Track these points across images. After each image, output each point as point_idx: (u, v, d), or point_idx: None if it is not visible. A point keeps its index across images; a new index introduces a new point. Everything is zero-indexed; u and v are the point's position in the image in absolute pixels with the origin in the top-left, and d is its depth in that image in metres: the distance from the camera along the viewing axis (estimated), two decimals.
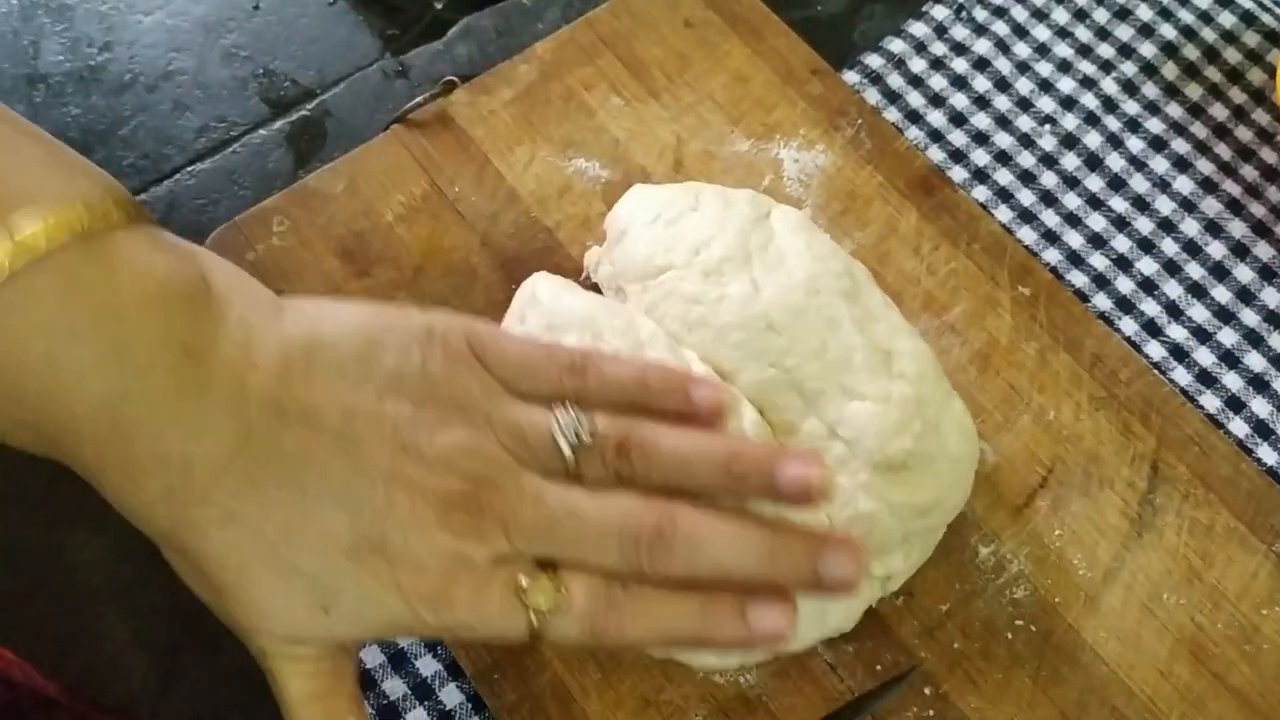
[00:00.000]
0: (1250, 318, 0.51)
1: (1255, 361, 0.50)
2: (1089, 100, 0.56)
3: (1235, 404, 0.49)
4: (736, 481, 0.38)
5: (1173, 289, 0.52)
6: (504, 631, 0.36)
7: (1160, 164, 0.55)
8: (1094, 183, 0.54)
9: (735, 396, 0.43)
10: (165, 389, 0.34)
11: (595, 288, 0.49)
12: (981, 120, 0.56)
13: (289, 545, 0.35)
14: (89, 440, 0.33)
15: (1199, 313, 0.51)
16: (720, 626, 0.37)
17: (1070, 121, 0.56)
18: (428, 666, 0.45)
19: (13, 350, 0.32)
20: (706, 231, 0.46)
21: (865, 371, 0.43)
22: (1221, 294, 0.52)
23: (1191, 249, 0.53)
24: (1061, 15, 0.58)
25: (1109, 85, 0.57)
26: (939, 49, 0.58)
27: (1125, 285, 0.52)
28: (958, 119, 0.56)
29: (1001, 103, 0.56)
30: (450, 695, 0.44)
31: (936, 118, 0.56)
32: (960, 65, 0.57)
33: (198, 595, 0.37)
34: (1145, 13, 0.58)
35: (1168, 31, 0.58)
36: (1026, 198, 0.54)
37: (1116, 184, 0.54)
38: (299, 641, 0.36)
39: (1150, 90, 0.57)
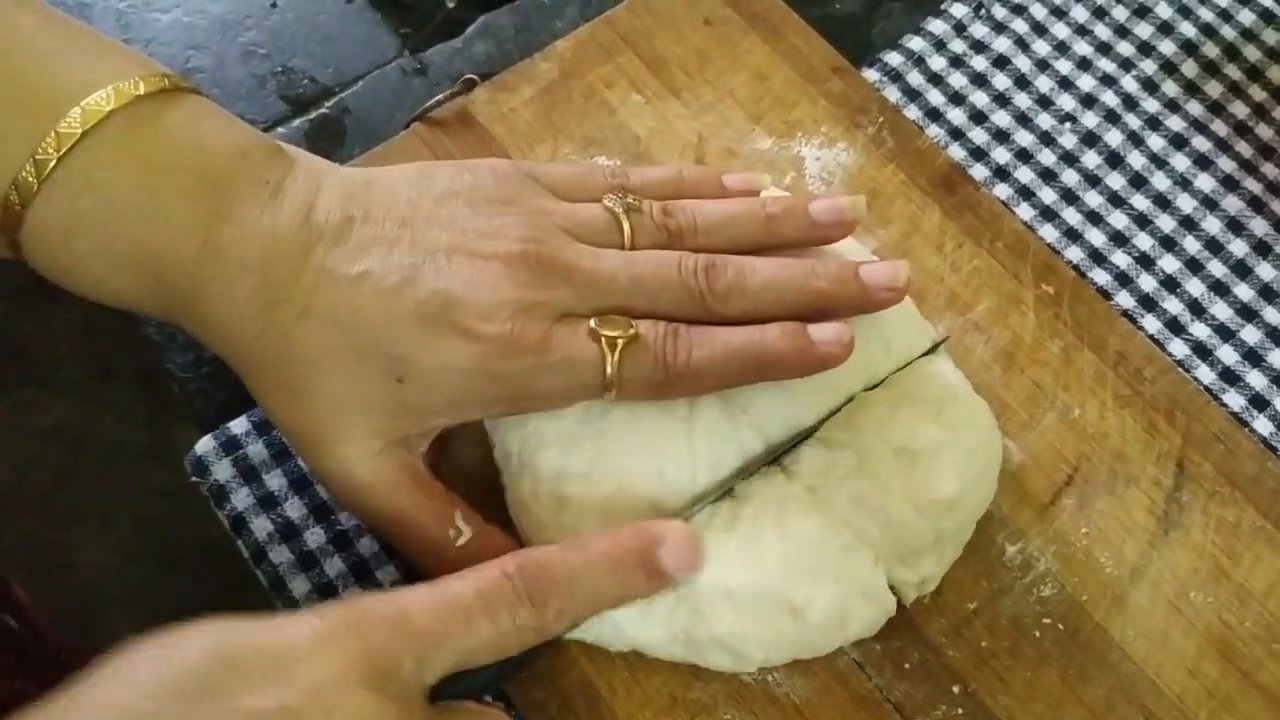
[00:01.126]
0: (1273, 315, 0.51)
1: (1278, 359, 0.50)
2: (1109, 98, 0.56)
3: (1259, 402, 0.49)
4: (774, 224, 0.43)
5: (1195, 287, 0.52)
6: (579, 373, 0.39)
7: (1181, 162, 0.55)
8: (1115, 180, 0.54)
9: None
10: (248, 209, 0.38)
11: None
12: (1002, 118, 0.56)
13: (360, 325, 0.38)
14: (184, 259, 0.38)
15: (1222, 311, 0.51)
16: (783, 338, 0.40)
17: (1091, 119, 0.56)
18: None
19: (116, 183, 0.37)
20: None
21: (870, 377, 0.44)
22: (1244, 292, 0.52)
23: (1213, 247, 0.53)
24: (1081, 13, 0.58)
25: (1129, 83, 0.57)
26: (958, 46, 0.57)
27: (1148, 283, 0.52)
28: (978, 117, 0.56)
29: (1022, 100, 0.56)
30: None
31: (957, 115, 0.56)
32: (980, 63, 0.57)
33: (281, 424, 0.40)
34: (1165, 10, 0.58)
35: (1187, 29, 0.58)
36: (1048, 196, 0.54)
37: (1138, 182, 0.54)
38: (378, 433, 0.39)
39: (1170, 88, 0.56)
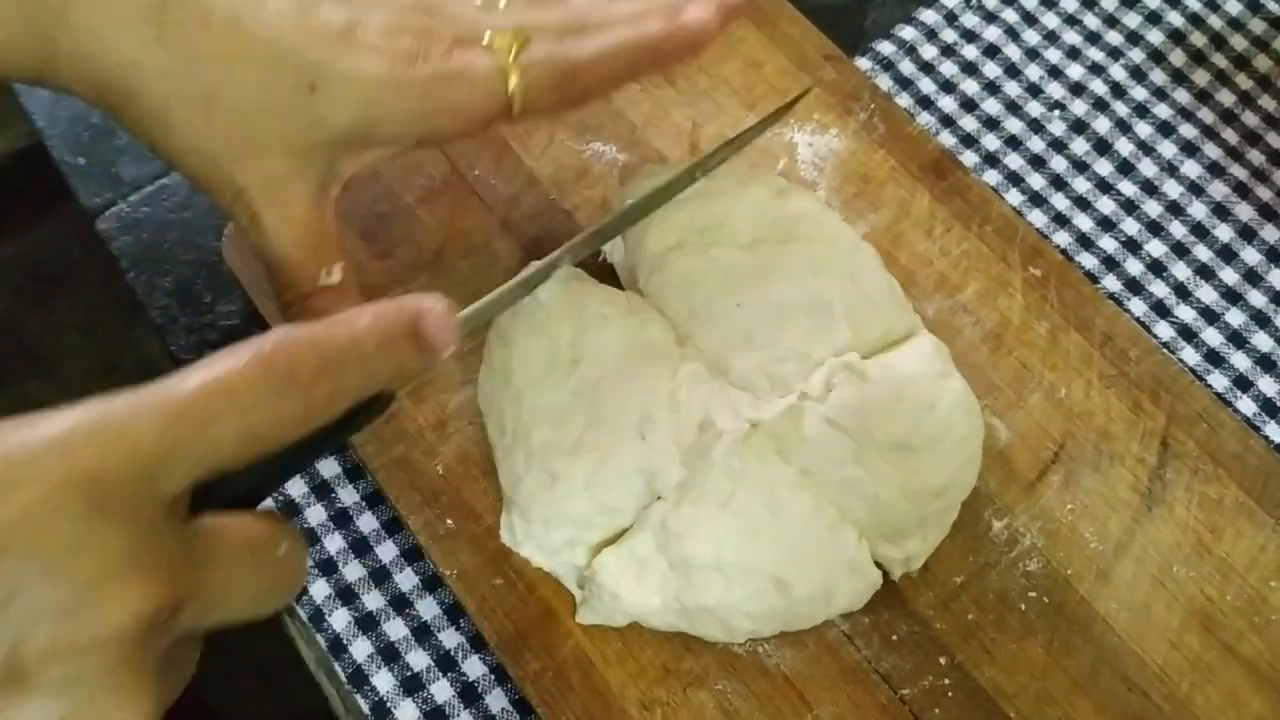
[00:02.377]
0: (1258, 299, 0.52)
1: (1262, 341, 0.51)
2: (1098, 86, 0.57)
3: (1243, 383, 0.50)
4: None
5: (1181, 271, 0.53)
6: (483, 79, 0.40)
7: (1168, 149, 0.55)
8: (1103, 167, 0.55)
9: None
10: None
11: (612, 269, 0.50)
12: (992, 106, 0.57)
13: (270, 32, 0.38)
14: None
15: (1207, 294, 0.52)
16: (658, 18, 0.41)
17: (1079, 107, 0.56)
18: (451, 639, 0.45)
19: None
20: (718, 213, 0.47)
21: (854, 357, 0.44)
22: (1229, 275, 0.52)
23: (1199, 231, 0.53)
24: (1070, 3, 0.59)
25: (1117, 71, 0.57)
26: (949, 36, 0.58)
27: (1134, 267, 0.53)
28: (968, 104, 0.57)
29: (1011, 89, 0.57)
30: (473, 667, 0.45)
31: (947, 103, 0.57)
32: (970, 52, 0.58)
33: (181, 145, 0.39)
34: (1152, 0, 0.59)
35: (1175, 19, 0.59)
36: (1037, 181, 0.55)
37: (1125, 168, 0.55)
38: (293, 149, 0.39)
39: (1158, 76, 0.57)
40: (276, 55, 0.38)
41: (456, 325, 0.33)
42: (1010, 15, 0.59)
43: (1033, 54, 0.58)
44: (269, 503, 0.47)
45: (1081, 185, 0.55)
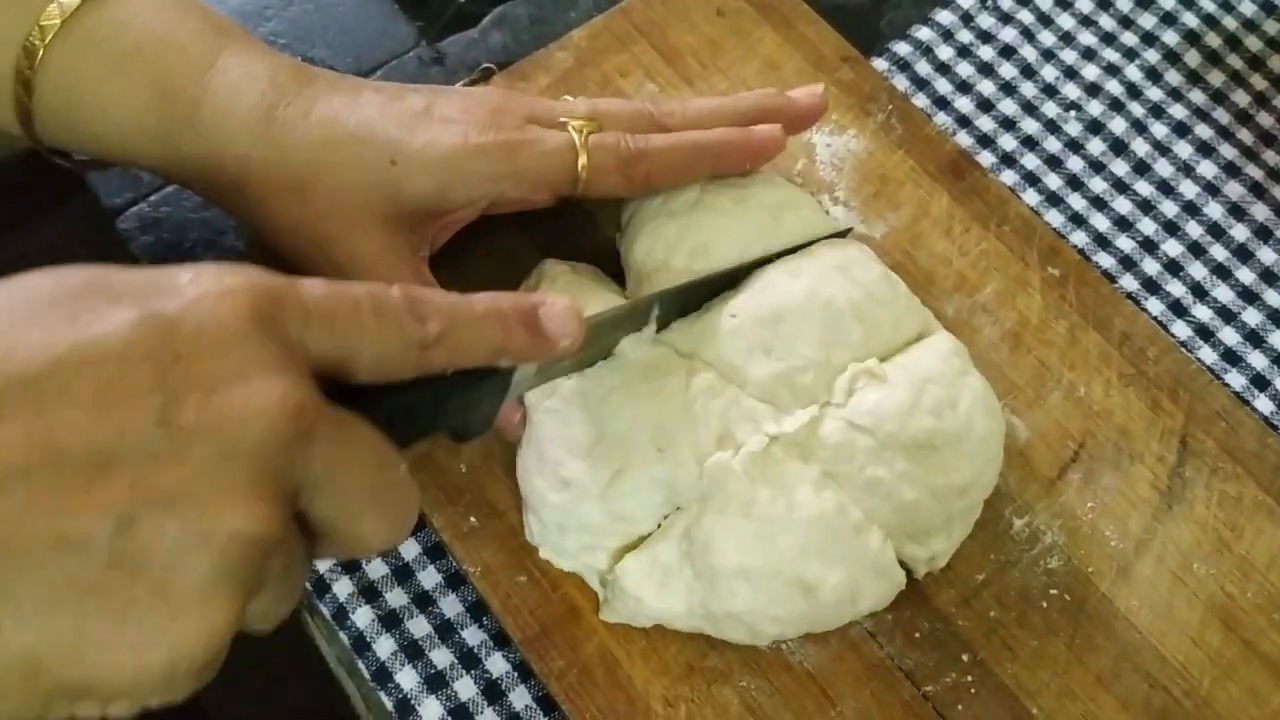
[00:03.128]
0: (1274, 298, 0.52)
1: (1279, 340, 0.51)
2: (1113, 87, 0.57)
3: (1260, 382, 0.50)
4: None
5: (1198, 270, 0.53)
6: (553, 152, 0.44)
7: (1184, 149, 0.56)
8: (1119, 167, 0.55)
9: None
10: (252, 46, 0.45)
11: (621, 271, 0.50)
12: (1008, 106, 0.57)
13: (360, 118, 0.43)
14: (195, 72, 0.43)
15: (1224, 293, 0.52)
16: (725, 130, 0.47)
17: (1095, 108, 0.57)
18: (474, 636, 0.46)
19: (136, 23, 0.43)
20: (708, 234, 0.47)
21: (868, 358, 0.44)
22: (1245, 275, 0.53)
23: (1216, 231, 0.54)
24: (1085, 4, 0.60)
25: (1132, 72, 0.58)
26: (965, 37, 0.59)
27: (1151, 267, 0.53)
28: (985, 105, 0.57)
29: (1027, 89, 0.57)
30: (496, 664, 0.45)
31: (964, 104, 0.57)
32: (987, 53, 0.58)
33: (283, 229, 0.44)
34: (1167, 1, 0.59)
35: (1190, 20, 0.59)
36: (1054, 182, 0.55)
37: (1141, 168, 0.55)
38: (382, 221, 0.43)
39: (1173, 77, 0.58)
40: (363, 138, 0.43)
41: (578, 320, 0.36)
42: (1026, 16, 0.59)
43: (1049, 55, 0.58)
44: None
45: (1098, 185, 0.55)
